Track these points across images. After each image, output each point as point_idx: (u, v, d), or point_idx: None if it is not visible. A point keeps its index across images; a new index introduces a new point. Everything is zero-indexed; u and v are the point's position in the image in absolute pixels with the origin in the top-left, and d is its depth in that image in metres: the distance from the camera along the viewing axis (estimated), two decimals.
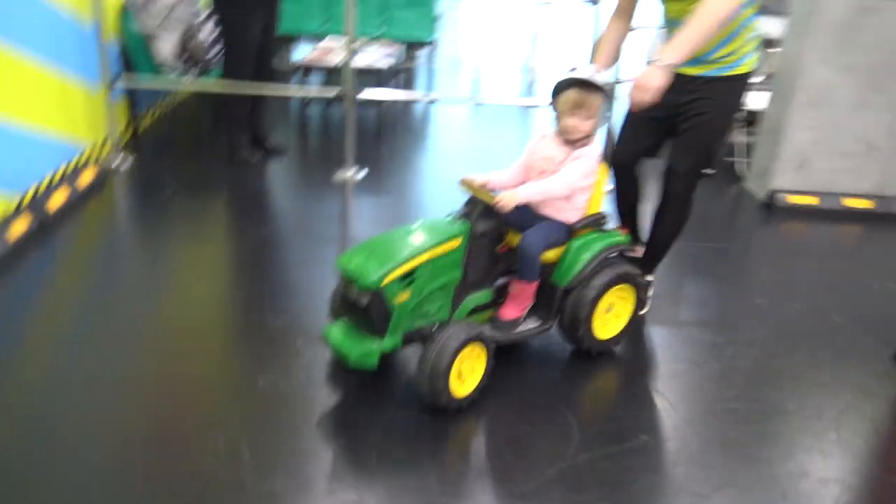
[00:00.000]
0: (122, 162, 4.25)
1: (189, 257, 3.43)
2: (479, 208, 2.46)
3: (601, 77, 2.52)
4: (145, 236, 3.67)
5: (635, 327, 2.83)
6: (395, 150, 5.16)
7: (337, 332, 2.38)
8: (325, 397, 2.42)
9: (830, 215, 4.25)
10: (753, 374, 2.68)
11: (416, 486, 2.05)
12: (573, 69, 2.50)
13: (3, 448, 2.12)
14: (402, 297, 2.30)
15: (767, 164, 4.35)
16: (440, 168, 4.84)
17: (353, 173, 4.32)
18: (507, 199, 2.40)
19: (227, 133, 4.47)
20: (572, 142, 2.53)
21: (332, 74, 5.30)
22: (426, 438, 2.27)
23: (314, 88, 5.66)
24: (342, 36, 5.84)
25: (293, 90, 5.58)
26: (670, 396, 2.54)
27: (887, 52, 4.00)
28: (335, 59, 5.24)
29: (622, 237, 2.68)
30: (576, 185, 2.51)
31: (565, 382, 2.63)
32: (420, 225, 2.47)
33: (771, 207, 4.27)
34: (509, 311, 2.57)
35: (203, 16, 4.71)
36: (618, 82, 4.33)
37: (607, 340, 2.70)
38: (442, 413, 2.31)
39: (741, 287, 3.44)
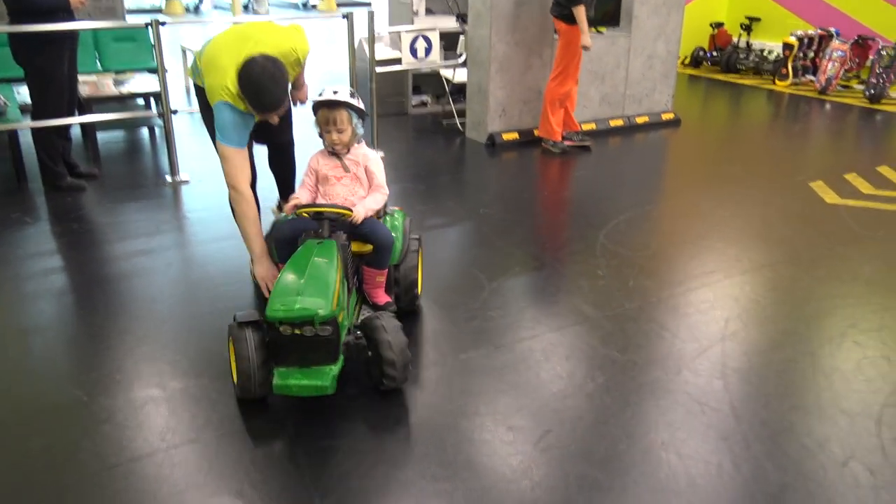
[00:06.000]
0: None
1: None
2: (326, 225, 2.68)
3: (342, 95, 2.79)
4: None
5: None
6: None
7: (293, 376, 2.39)
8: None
9: (527, 143, 6.23)
10: (484, 253, 4.31)
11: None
12: (319, 94, 2.80)
13: None
14: (340, 316, 2.47)
15: (481, 116, 6.17)
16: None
17: (180, 176, 5.03)
18: (360, 214, 2.75)
19: (47, 165, 4.77)
20: (338, 152, 2.88)
21: (109, 102, 5.75)
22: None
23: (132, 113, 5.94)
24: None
25: (113, 116, 5.73)
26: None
27: (534, 30, 6.05)
28: (109, 90, 5.70)
29: (402, 211, 3.18)
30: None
31: None
32: (307, 254, 2.55)
33: (492, 146, 6.09)
34: (382, 297, 2.95)
35: None
36: None
37: (420, 291, 3.25)
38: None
39: (472, 201, 4.89)
